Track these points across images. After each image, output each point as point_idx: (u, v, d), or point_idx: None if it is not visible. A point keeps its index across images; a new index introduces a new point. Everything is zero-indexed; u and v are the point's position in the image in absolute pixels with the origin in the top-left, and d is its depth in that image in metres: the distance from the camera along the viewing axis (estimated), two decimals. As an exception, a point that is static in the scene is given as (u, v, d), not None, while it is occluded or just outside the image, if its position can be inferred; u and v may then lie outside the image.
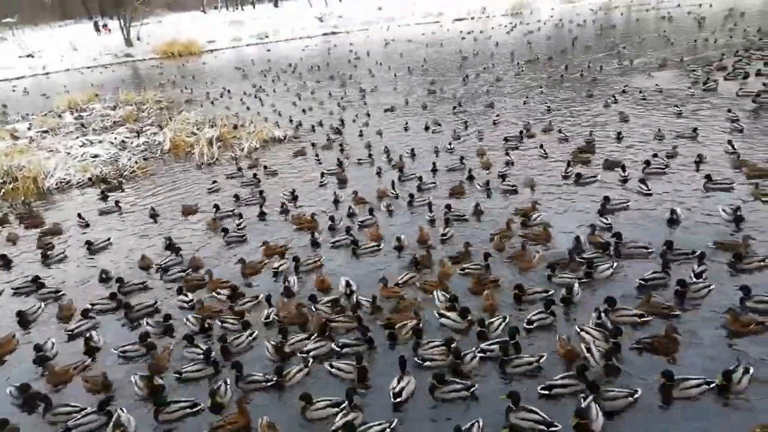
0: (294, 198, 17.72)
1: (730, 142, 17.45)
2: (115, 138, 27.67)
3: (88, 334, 11.16)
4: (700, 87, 24.97)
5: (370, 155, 20.87)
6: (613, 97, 24.98)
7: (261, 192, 18.37)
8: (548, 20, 56.29)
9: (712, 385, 8.18)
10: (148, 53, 64.04)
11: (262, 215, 16.69)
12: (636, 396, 8.19)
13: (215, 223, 16.36)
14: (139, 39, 66.78)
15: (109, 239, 16.03)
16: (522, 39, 45.85)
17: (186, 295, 12.26)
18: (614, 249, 12.24)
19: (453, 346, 9.42)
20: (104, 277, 13.69)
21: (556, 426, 7.86)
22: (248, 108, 31.27)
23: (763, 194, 14.04)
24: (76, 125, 31.82)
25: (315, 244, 14.26)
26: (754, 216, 13.11)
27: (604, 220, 13.72)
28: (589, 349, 9.10)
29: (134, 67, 58.51)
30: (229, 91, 37.38)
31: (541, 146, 19.41)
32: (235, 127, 27.36)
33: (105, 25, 73.85)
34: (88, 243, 15.72)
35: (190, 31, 67.30)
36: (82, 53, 63.20)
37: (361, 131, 24.40)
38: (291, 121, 27.28)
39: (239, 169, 21.52)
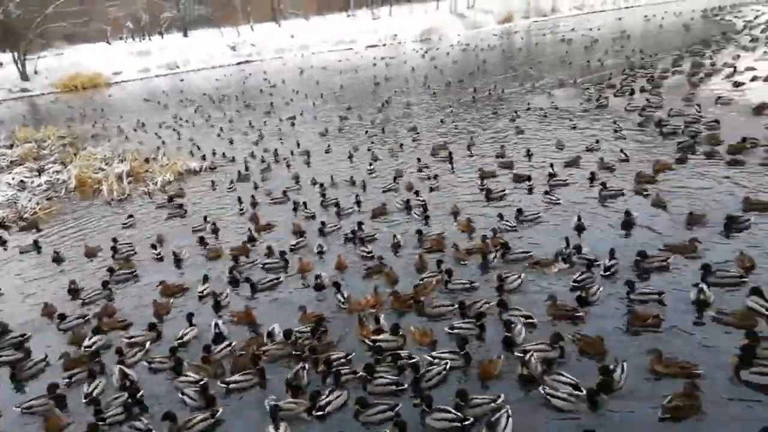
0: (215, 231, 17.32)
1: (622, 150, 19.15)
2: (13, 178, 25.85)
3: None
4: (594, 103, 27.11)
5: (284, 192, 19.94)
6: (516, 113, 26.51)
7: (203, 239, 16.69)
8: (456, 45, 58.99)
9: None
10: (47, 87, 60.41)
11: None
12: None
13: (47, 308, 13.49)
14: (36, 72, 62.91)
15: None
16: (431, 64, 47.73)
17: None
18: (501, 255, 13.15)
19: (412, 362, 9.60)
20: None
21: (468, 419, 8.32)
22: (163, 142, 30.22)
23: (644, 190, 15.87)
24: (-34, 166, 29.42)
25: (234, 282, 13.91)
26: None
27: (508, 223, 14.82)
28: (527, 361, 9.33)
29: (32, 103, 55.02)
30: (143, 124, 36.05)
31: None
32: (147, 160, 26.42)
33: (-4, 59, 69.01)
34: None
35: (94, 63, 64.23)
36: (-30, 89, 58.65)
37: (287, 162, 24.06)
38: (214, 153, 26.46)
39: (170, 199, 20.79)
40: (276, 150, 25.48)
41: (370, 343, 10.36)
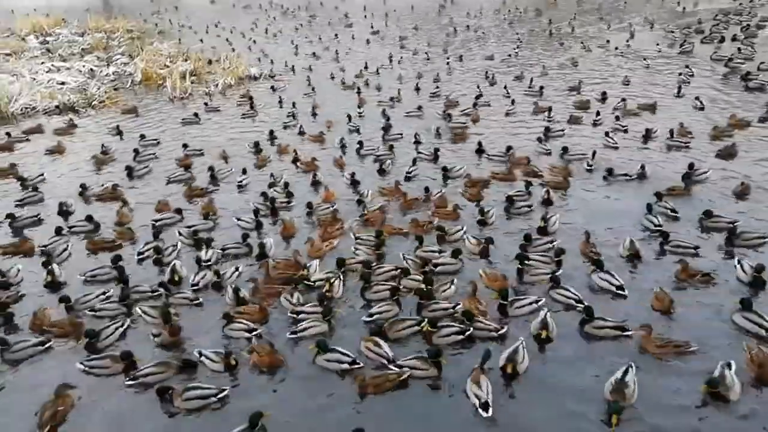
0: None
1: (697, 98, 18.35)
2: (84, 66, 26.69)
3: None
4: (677, 49, 25.20)
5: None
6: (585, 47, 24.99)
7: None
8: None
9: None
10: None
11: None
12: None
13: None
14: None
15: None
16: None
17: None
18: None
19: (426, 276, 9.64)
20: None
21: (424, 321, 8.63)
22: (232, 47, 30.28)
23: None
24: (42, 50, 30.49)
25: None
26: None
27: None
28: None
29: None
30: (216, 25, 36.07)
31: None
32: (210, 62, 26.66)
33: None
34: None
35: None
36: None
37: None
38: (286, 64, 26.31)
39: (252, 107, 20.54)
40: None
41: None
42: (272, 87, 23.25)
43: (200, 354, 8.31)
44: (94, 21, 35.97)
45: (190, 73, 24.86)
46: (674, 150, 15.13)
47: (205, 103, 21.35)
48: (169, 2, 47.56)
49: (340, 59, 27.19)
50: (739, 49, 23.64)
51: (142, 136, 17.75)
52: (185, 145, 16.79)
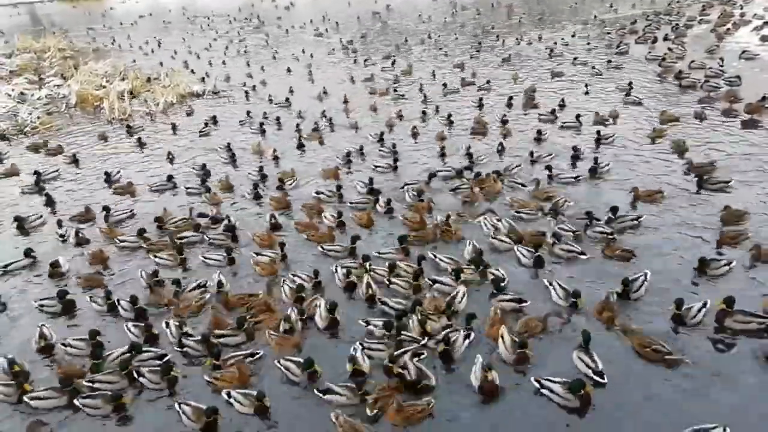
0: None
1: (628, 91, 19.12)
2: (13, 89, 25.31)
3: None
4: (614, 49, 26.10)
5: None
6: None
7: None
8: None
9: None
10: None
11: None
12: None
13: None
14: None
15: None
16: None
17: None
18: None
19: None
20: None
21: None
22: (188, 65, 29.39)
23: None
24: (-35, 74, 28.79)
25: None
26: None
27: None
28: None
29: (32, 11, 53.18)
30: (151, 42, 34.98)
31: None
32: (149, 80, 25.78)
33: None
34: None
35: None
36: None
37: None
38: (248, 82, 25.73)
39: (205, 125, 20.01)
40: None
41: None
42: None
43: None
44: (23, 41, 34.28)
45: (129, 93, 23.97)
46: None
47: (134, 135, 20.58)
48: (104, 20, 45.91)
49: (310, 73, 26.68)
50: (670, 48, 24.66)
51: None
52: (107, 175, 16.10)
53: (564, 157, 15.32)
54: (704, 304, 8.71)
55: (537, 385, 7.67)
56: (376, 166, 15.55)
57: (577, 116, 17.50)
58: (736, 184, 12.85)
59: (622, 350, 8.33)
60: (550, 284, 9.64)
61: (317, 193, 13.98)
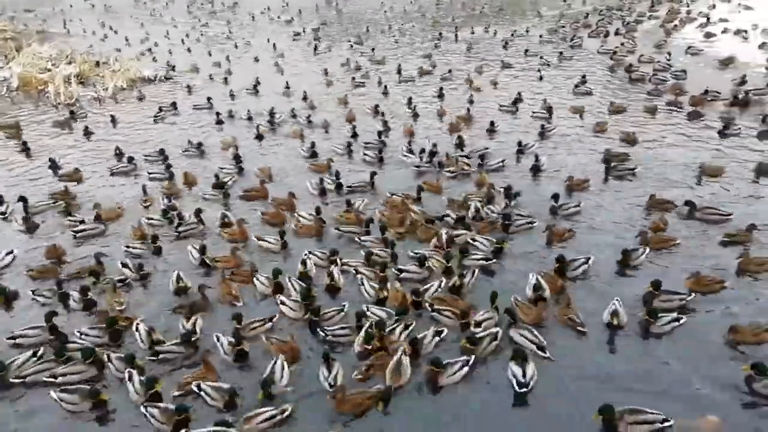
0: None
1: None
2: (-52, 72, 23.91)
3: None
4: (567, 43, 26.71)
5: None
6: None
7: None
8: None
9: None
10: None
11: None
12: None
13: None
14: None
15: None
16: None
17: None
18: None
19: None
20: None
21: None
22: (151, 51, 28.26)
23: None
24: None
25: None
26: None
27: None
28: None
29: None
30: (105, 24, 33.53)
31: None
32: (98, 64, 24.79)
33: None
34: None
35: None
36: None
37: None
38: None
39: (160, 110, 19.58)
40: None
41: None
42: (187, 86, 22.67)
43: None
44: (-41, 19, 32.36)
45: (76, 77, 22.98)
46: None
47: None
48: (54, 3, 43.70)
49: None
50: (621, 43, 25.40)
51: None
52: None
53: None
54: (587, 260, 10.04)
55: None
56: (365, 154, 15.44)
57: (549, 108, 17.79)
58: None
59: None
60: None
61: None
